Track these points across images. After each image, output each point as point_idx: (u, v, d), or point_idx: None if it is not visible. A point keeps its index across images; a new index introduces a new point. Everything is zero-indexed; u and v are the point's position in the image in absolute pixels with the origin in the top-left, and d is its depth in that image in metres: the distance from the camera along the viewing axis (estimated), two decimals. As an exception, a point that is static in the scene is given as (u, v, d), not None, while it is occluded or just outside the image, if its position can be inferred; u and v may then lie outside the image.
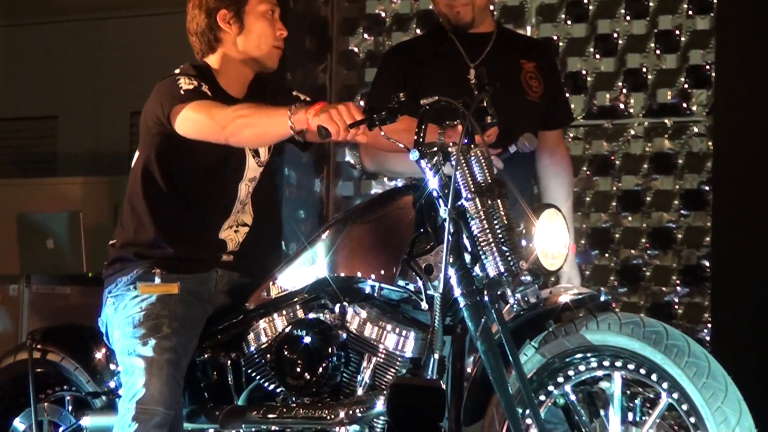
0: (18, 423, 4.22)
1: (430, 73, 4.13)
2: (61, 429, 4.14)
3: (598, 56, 5.88)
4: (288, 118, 3.39)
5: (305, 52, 6.10)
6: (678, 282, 5.69)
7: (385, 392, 3.47)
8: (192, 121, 3.60)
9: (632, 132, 5.80)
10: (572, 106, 5.75)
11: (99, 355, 4.01)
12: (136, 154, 3.86)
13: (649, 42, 5.80)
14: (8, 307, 5.97)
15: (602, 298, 3.53)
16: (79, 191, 6.62)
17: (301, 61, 6.03)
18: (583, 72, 5.84)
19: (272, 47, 3.80)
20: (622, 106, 5.82)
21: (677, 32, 5.75)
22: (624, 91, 5.82)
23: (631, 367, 3.36)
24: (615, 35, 5.86)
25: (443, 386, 3.27)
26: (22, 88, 7.33)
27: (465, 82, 3.49)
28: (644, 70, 5.79)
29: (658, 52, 5.78)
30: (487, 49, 4.18)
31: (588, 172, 5.82)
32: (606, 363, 3.40)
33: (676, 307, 5.67)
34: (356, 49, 6.20)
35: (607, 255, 5.73)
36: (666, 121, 5.76)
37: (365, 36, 6.21)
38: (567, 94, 4.73)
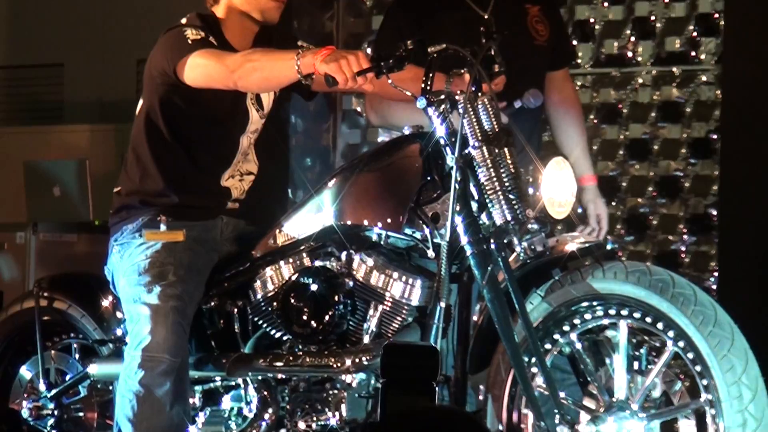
0: (25, 370, 4.23)
1: (441, 27, 4.08)
2: (68, 376, 4.15)
3: (606, 4, 5.83)
4: (295, 62, 3.37)
5: (312, -1, 6.07)
6: (685, 231, 5.68)
7: (391, 340, 3.47)
8: (201, 67, 3.58)
9: (640, 80, 5.77)
10: (579, 54, 5.75)
11: (106, 302, 4.02)
12: (140, 102, 3.85)
13: (657, -9, 5.77)
14: (15, 255, 5.98)
15: (608, 247, 3.52)
16: (86, 139, 6.61)
17: (307, 9, 5.99)
18: (591, 20, 5.80)
19: (270, 0, 3.76)
20: (630, 54, 5.79)
21: (686, -19, 5.71)
22: (632, 39, 5.78)
23: (637, 315, 3.37)
24: (624, -17, 5.82)
25: (437, 347, 3.28)
26: (28, 35, 7.30)
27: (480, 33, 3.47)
28: (653, 18, 5.75)
29: (666, 0, 5.74)
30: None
31: (595, 121, 5.80)
32: (612, 311, 3.40)
33: (683, 255, 5.67)
34: (365, -2, 6.16)
35: (613, 203, 5.71)
36: (674, 69, 5.73)
37: (372, -15, 6.17)
38: (569, 33, 4.66)
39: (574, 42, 5.69)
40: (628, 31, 5.78)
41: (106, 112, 6.92)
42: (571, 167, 3.45)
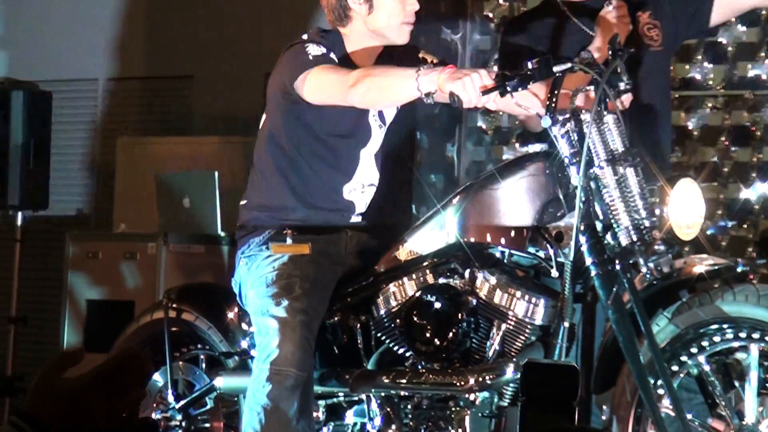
0: (154, 381, 4.28)
1: (554, 51, 4.02)
2: (195, 388, 4.18)
3: (741, 27, 5.72)
4: (415, 79, 3.37)
5: (439, 16, 6.07)
6: (820, 254, 5.55)
7: (515, 359, 3.46)
8: (320, 82, 3.59)
9: (775, 103, 5.66)
10: (711, 75, 5.65)
11: (232, 315, 4.04)
12: (263, 117, 3.89)
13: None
14: (147, 265, 6.07)
15: (739, 269, 3.46)
16: (214, 151, 6.68)
17: (435, 25, 6.00)
18: (724, 42, 5.70)
19: (402, 23, 3.75)
20: (764, 77, 5.68)
21: (824, 3, 5.57)
22: (767, 62, 5.67)
23: (769, 339, 3.31)
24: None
25: (577, 366, 3.25)
26: (160, 47, 7.43)
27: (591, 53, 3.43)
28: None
29: (803, 23, 5.62)
30: (604, 8, 4.06)
31: (726, 143, 5.70)
32: (742, 335, 3.34)
33: (818, 279, 5.53)
34: (491, 14, 6.15)
35: (745, 226, 5.62)
36: (811, 93, 5.61)
37: (500, 1, 6.15)
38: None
39: (706, 64, 5.60)
40: (763, 54, 5.67)
41: (234, 125, 6.99)
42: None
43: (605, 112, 3.36)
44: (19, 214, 6.54)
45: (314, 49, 3.65)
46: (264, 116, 3.89)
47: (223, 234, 5.97)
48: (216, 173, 6.10)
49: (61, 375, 1.70)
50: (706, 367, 3.39)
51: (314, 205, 3.82)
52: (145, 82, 7.50)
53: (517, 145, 5.96)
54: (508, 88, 3.30)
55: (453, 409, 3.58)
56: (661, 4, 4.16)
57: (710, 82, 5.69)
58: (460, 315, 3.56)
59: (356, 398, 3.79)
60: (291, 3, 6.83)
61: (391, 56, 3.83)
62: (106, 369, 1.70)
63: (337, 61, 3.66)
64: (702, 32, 4.25)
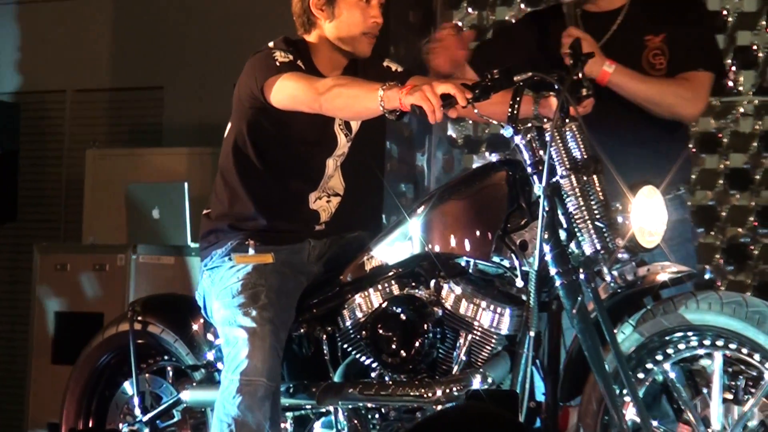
0: (121, 393, 4.24)
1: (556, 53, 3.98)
2: (162, 400, 4.15)
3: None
4: (378, 94, 3.36)
5: (409, 25, 6.08)
6: (786, 261, 5.58)
7: (482, 369, 3.46)
8: (288, 88, 3.58)
9: (741, 110, 5.68)
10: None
11: (197, 327, 4.02)
12: (228, 126, 3.88)
13: (760, 20, 5.68)
14: (116, 276, 6.06)
15: (707, 277, 3.46)
16: (184, 162, 6.67)
17: (404, 34, 6.01)
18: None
19: (361, 35, 3.74)
20: (731, 83, 5.71)
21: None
22: (733, 68, 5.70)
23: (732, 346, 3.31)
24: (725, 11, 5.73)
25: (516, 391, 3.26)
26: (129, 58, 7.42)
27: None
28: (755, 47, 5.67)
29: (768, 29, 5.66)
30: (611, 30, 4.03)
31: (694, 150, 5.73)
32: (707, 342, 3.35)
33: (784, 286, 5.56)
34: (460, 23, 6.16)
35: (712, 233, 5.64)
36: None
37: (469, 10, 6.17)
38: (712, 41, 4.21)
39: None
40: (729, 60, 5.70)
41: (203, 136, 6.99)
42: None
43: (567, 120, 3.36)
44: (-13, 227, 6.53)
45: (281, 56, 3.65)
46: (229, 126, 3.88)
47: (192, 245, 5.97)
48: (185, 184, 6.10)
49: None
50: (672, 374, 3.39)
51: (277, 215, 3.81)
52: (113, 93, 7.49)
53: (486, 153, 5.97)
54: (470, 100, 3.29)
55: (420, 420, 3.57)
56: (691, 35, 4.09)
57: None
58: (426, 326, 3.54)
59: (323, 410, 3.77)
60: (261, 14, 6.83)
61: (356, 65, 3.83)
62: None
63: (304, 68, 3.66)
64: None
